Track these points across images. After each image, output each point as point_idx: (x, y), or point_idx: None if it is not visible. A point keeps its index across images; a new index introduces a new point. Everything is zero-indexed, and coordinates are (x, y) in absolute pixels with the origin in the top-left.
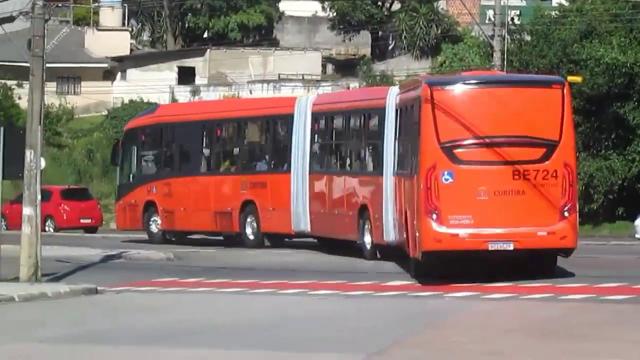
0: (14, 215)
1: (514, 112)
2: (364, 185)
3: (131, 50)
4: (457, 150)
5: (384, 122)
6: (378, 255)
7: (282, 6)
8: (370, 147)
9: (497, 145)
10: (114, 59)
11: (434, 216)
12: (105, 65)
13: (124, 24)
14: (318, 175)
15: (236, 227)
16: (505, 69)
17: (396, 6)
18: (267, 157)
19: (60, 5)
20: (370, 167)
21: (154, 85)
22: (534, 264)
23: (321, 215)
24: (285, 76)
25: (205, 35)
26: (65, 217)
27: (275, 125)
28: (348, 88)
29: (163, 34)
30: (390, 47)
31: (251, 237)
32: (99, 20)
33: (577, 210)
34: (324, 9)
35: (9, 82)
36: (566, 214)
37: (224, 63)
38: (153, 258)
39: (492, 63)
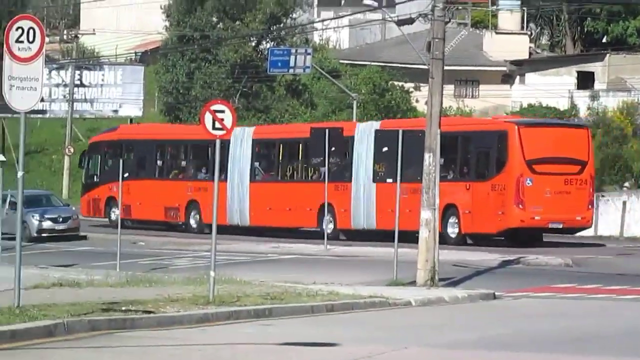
0: None
1: (564, 142)
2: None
3: (530, 54)
4: (534, 165)
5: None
6: None
7: None
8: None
9: (556, 162)
10: (512, 62)
11: (520, 206)
12: (504, 68)
13: (522, 28)
14: None
15: (182, 218)
16: None
17: None
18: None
19: (459, 7)
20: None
21: (552, 90)
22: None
23: None
24: None
25: (604, 40)
26: None
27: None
28: None
29: (562, 38)
30: None
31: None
32: (497, 23)
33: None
34: None
35: (406, 85)
36: (589, 206)
37: (623, 68)
38: (551, 264)
39: None
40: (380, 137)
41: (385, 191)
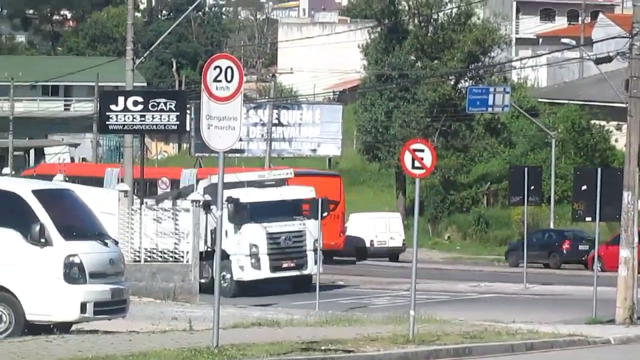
0: (609, 257)
1: (322, 187)
2: None
3: None
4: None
5: None
6: None
7: None
8: None
9: None
10: None
11: None
12: None
13: None
14: None
15: None
16: None
17: None
18: None
19: None
20: None
21: None
22: None
23: None
24: None
25: None
26: None
27: None
28: None
29: None
30: None
31: None
32: None
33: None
34: None
35: (604, 124)
36: (341, 234)
37: None
38: None
39: None
40: (580, 176)
41: None
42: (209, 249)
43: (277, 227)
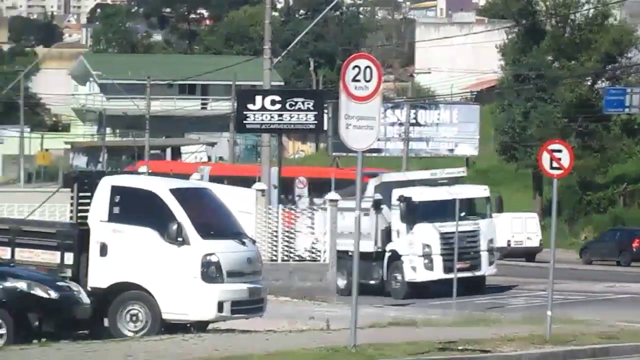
0: None
1: None
2: None
3: None
4: None
5: None
6: None
7: None
8: None
9: None
10: None
11: None
12: None
13: None
14: None
15: None
16: None
17: None
18: None
19: None
20: None
21: None
22: None
23: None
24: None
25: None
26: None
27: None
28: None
29: None
30: None
31: None
32: None
33: None
34: None
35: None
36: None
37: None
38: None
39: None
40: None
41: None
42: (379, 250)
43: (450, 226)
